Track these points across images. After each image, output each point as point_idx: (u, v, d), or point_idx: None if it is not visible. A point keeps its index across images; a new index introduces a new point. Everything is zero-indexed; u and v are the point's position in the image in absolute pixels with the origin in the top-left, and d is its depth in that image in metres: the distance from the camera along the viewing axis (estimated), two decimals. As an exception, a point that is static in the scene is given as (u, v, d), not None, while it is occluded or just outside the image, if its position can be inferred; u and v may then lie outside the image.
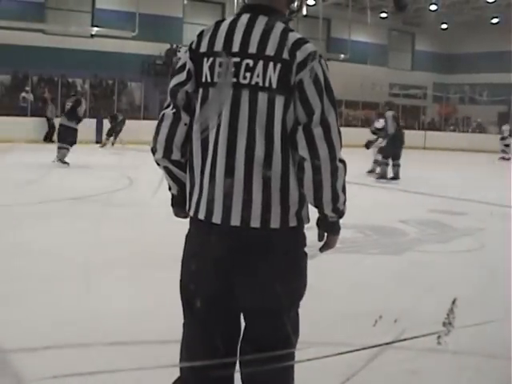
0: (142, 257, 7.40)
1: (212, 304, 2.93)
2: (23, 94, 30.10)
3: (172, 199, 3.14)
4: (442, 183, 17.96)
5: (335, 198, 2.81)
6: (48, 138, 28.12)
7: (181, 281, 3.02)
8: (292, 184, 2.77)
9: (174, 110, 2.90)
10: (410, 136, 33.68)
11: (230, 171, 2.75)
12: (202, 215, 2.83)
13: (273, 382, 2.94)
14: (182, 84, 2.90)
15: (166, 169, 2.99)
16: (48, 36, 32.20)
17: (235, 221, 2.75)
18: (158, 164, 3.01)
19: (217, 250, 2.82)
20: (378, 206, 11.24)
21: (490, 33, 43.16)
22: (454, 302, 2.83)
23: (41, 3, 32.71)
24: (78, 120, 18.77)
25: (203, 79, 2.84)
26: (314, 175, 2.72)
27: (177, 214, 3.18)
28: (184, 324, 3.08)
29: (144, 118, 33.16)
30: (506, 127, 30.23)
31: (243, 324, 3.02)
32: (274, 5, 2.87)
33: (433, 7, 40.62)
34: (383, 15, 42.88)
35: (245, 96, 2.75)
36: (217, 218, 2.78)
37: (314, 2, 34.24)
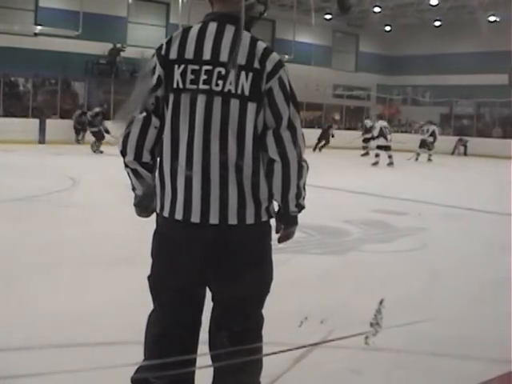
0: (88, 257, 7.38)
1: (186, 300, 3.12)
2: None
3: (135, 199, 3.23)
4: (385, 184, 18.14)
5: (299, 194, 3.05)
6: None
7: (154, 277, 3.18)
8: (262, 182, 2.97)
9: (145, 114, 3.02)
10: (353, 137, 34.23)
11: (206, 173, 2.91)
12: (179, 215, 2.97)
13: (244, 372, 3.07)
14: (152, 89, 3.02)
15: (134, 171, 3.11)
16: (-10, 34, 31.74)
17: (214, 219, 2.93)
18: (127, 166, 3.12)
19: (197, 247, 2.99)
20: (322, 206, 11.29)
21: (433, 35, 43.62)
22: (381, 303, 2.91)
23: (-18, 1, 32.24)
24: None
25: (174, 85, 2.97)
26: (283, 175, 2.95)
27: (140, 214, 3.29)
28: (151, 320, 3.23)
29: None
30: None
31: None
32: (236, 13, 2.99)
33: (376, 9, 40.92)
34: (327, 17, 43.00)
35: (217, 102, 2.91)
36: (195, 218, 2.94)
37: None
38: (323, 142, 34.41)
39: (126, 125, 3.02)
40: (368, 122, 32.58)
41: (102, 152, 24.45)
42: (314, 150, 33.34)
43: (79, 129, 30.19)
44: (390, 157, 24.82)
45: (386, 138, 25.00)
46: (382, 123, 25.75)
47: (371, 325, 2.87)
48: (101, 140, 25.14)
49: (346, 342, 3.42)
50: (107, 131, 24.25)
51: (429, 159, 29.55)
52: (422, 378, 4.43)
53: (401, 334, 4.82)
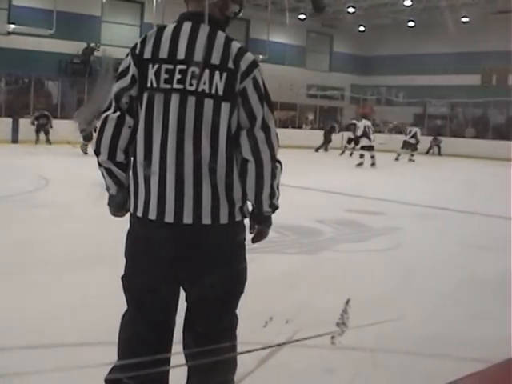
0: (62, 257, 7.35)
1: (160, 300, 3.12)
2: None
3: (110, 199, 3.22)
4: (362, 183, 18.19)
5: (272, 194, 3.05)
6: None
7: (127, 278, 3.17)
8: (236, 182, 2.97)
9: (119, 113, 3.02)
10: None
11: (179, 172, 2.91)
12: (152, 215, 2.97)
13: (218, 370, 3.07)
14: (126, 88, 3.02)
15: (108, 170, 3.10)
16: (-38, 33, 31.48)
17: (187, 219, 2.93)
18: (101, 165, 3.11)
19: (170, 247, 2.98)
20: (296, 206, 11.27)
21: (407, 36, 43.93)
22: (347, 303, 2.92)
23: (-46, -1, 31.97)
24: None
25: (148, 84, 2.97)
26: (257, 176, 2.95)
27: (114, 214, 3.28)
28: (125, 320, 3.22)
29: (61, 117, 32.72)
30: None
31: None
32: (211, 13, 3.00)
33: (350, 10, 41.04)
34: (302, 17, 43.07)
35: (191, 102, 2.91)
36: (169, 218, 2.94)
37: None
38: (320, 143, 35.02)
39: (86, 124, 3.02)
40: (352, 122, 33.02)
41: (86, 153, 23.89)
42: (326, 149, 34.53)
43: (39, 130, 29.83)
44: (372, 157, 24.90)
45: (369, 139, 25.15)
46: (366, 122, 25.82)
47: (337, 325, 2.87)
48: (88, 140, 24.81)
49: (316, 342, 3.42)
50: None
51: (410, 159, 30.14)
52: (395, 377, 4.45)
53: (374, 332, 4.83)
